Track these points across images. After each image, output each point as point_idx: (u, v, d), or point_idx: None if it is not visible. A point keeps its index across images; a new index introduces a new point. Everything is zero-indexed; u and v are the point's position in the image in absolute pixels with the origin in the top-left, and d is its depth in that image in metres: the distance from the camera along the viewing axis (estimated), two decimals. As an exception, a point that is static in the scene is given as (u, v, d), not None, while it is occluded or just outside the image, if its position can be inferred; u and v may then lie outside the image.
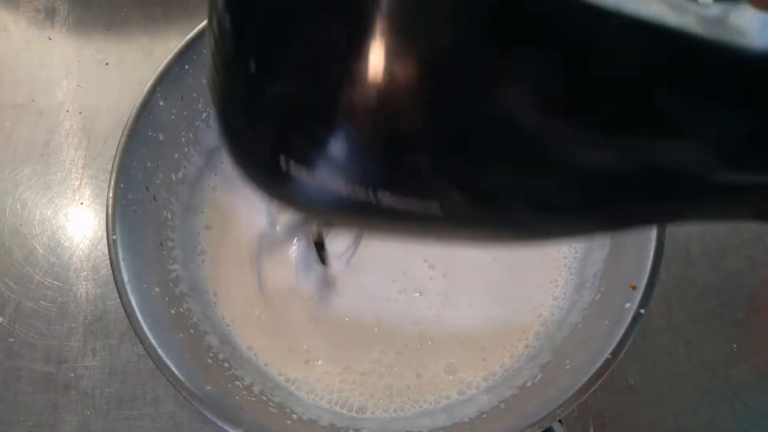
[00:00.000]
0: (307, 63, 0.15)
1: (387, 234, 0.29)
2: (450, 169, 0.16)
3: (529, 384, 0.33)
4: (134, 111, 0.34)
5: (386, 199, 0.16)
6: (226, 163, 0.41)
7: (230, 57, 0.17)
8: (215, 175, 0.41)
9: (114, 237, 0.32)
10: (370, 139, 0.15)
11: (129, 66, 0.48)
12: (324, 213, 0.21)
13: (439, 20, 0.14)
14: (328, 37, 0.14)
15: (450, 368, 0.36)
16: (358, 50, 0.14)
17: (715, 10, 0.14)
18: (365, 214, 0.18)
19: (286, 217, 0.38)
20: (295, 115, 0.16)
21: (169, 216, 0.37)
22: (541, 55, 0.14)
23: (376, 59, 0.14)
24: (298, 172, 0.17)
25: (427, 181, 0.16)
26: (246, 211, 0.40)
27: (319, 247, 0.35)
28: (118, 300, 0.31)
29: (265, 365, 0.36)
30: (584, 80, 0.14)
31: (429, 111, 0.15)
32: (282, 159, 0.17)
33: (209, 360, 0.34)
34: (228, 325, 0.37)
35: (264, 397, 0.34)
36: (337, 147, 0.16)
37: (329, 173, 0.16)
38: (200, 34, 0.36)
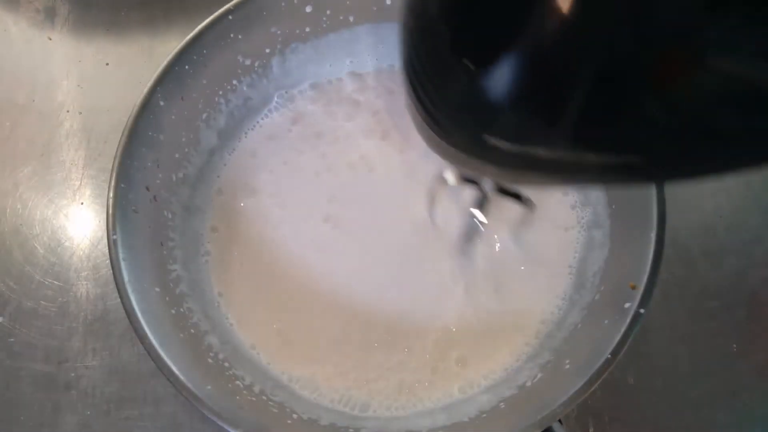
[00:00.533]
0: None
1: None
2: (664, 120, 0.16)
3: (528, 384, 0.33)
4: (134, 111, 0.34)
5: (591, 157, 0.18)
6: (228, 166, 0.41)
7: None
8: (218, 177, 0.41)
9: (114, 237, 0.32)
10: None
11: (129, 66, 0.48)
12: (522, 175, 0.22)
13: None
14: None
15: (461, 360, 0.36)
16: None
17: None
18: (568, 171, 0.19)
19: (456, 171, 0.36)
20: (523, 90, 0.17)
21: (170, 216, 0.37)
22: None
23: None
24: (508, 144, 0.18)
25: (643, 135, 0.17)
26: (257, 216, 0.40)
27: (505, 192, 0.34)
28: (119, 300, 0.31)
29: (268, 364, 0.36)
30: None
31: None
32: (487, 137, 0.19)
33: (209, 360, 0.34)
34: (231, 325, 0.37)
35: (264, 397, 0.34)
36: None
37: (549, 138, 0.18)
38: (200, 34, 0.36)
